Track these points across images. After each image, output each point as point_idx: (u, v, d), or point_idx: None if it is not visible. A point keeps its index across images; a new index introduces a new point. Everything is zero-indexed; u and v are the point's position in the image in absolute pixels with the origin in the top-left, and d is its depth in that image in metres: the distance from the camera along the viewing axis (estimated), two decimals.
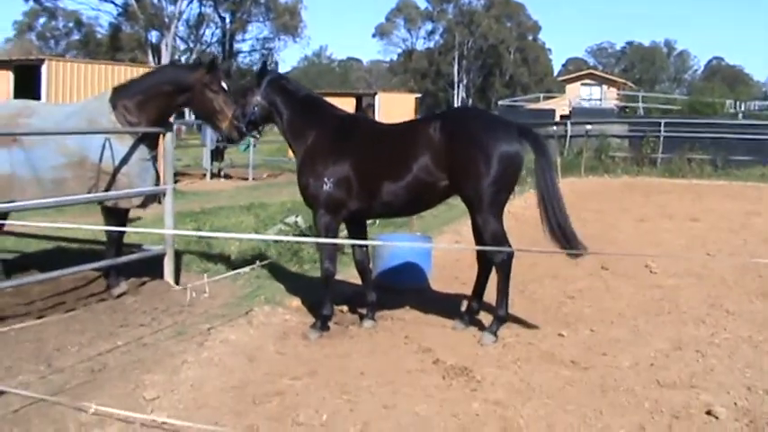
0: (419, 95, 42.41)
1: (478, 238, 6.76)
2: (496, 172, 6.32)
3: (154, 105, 7.63)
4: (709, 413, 5.02)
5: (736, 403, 5.21)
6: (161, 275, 8.23)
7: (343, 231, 7.56)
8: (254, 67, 77.36)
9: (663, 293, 8.56)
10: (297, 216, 11.41)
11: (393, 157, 6.58)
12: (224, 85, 7.68)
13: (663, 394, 5.38)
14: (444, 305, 7.80)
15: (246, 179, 23.07)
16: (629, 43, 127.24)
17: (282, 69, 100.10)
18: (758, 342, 6.66)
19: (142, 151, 7.66)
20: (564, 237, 6.60)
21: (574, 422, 4.90)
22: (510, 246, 6.55)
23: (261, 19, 76.05)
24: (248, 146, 22.84)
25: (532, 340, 6.68)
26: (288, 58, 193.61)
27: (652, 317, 7.54)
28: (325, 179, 6.65)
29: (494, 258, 6.70)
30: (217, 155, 23.60)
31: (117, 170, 7.53)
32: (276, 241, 9.69)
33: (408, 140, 6.59)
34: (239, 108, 7.13)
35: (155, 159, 7.97)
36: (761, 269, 9.73)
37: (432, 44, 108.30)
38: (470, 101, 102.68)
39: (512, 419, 4.92)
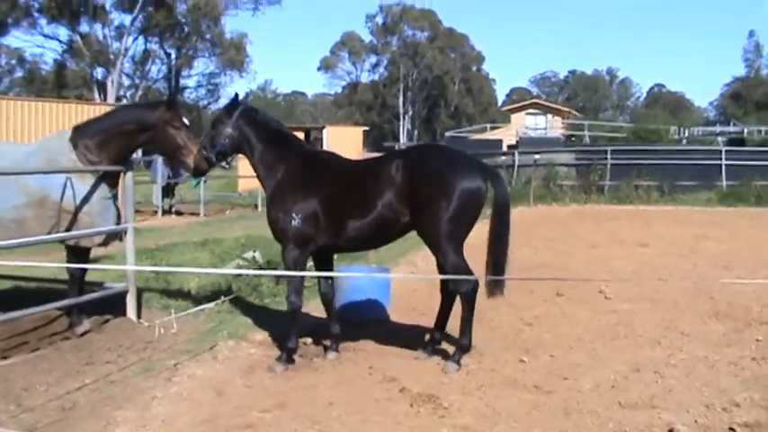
0: (366, 128, 42.80)
1: (442, 272, 6.96)
2: (456, 208, 6.54)
3: (115, 145, 7.71)
4: (671, 431, 5.24)
5: (696, 421, 5.45)
6: (123, 313, 8.26)
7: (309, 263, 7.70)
8: (201, 103, 77.63)
9: (618, 318, 8.83)
10: (254, 251, 11.50)
11: (358, 193, 6.77)
12: (185, 120, 7.79)
13: (625, 415, 5.59)
14: (405, 335, 7.95)
15: (198, 215, 23.03)
16: (572, 72, 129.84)
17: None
18: (714, 362, 6.94)
19: (103, 190, 7.71)
20: (495, 270, 6.94)
21: None
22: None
23: (207, 54, 75.94)
24: (199, 182, 22.82)
25: (494, 367, 6.86)
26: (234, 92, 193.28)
27: (609, 341, 7.79)
28: (294, 214, 6.80)
29: (459, 289, 6.85)
30: (168, 191, 23.55)
31: (78, 209, 7.56)
32: (236, 276, 9.79)
33: (373, 178, 6.78)
34: (208, 138, 7.23)
35: (115, 198, 8.03)
36: (712, 291, 10.10)
37: (376, 76, 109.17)
38: (416, 132, 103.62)
39: None
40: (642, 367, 6.78)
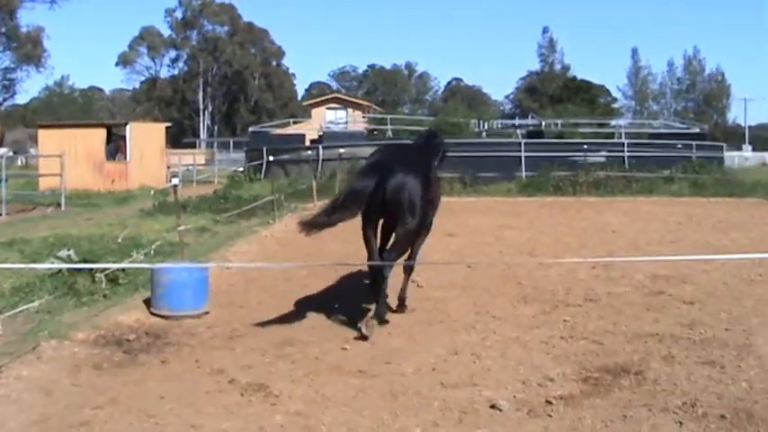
0: (169, 124, 41.78)
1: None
2: None
3: None
4: (493, 407, 5.59)
5: (515, 396, 5.85)
6: None
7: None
8: None
9: (433, 305, 9.23)
10: (69, 249, 11.02)
11: None
12: None
13: (449, 394, 5.91)
14: (226, 328, 7.99)
15: None
16: (371, 66, 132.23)
17: (24, 100, 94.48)
18: (526, 342, 7.44)
19: None
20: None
21: (373, 425, 5.28)
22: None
23: (2, 48, 71.50)
24: (0, 181, 21.60)
25: (318, 355, 7.03)
26: (31, 88, 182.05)
27: (426, 326, 8.15)
28: None
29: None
30: None
31: None
32: (51, 276, 9.44)
33: None
34: None
35: None
36: (520, 277, 10.79)
37: (176, 72, 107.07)
38: (216, 128, 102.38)
39: (315, 428, 5.23)
40: (460, 350, 7.16)
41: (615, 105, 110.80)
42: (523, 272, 11.25)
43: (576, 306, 9.06)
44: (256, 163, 34.28)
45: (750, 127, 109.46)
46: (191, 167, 45.64)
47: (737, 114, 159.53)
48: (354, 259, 12.58)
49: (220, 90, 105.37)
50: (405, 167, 7.95)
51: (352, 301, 9.34)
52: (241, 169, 37.35)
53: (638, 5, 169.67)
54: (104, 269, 9.56)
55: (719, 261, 11.72)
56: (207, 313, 8.72)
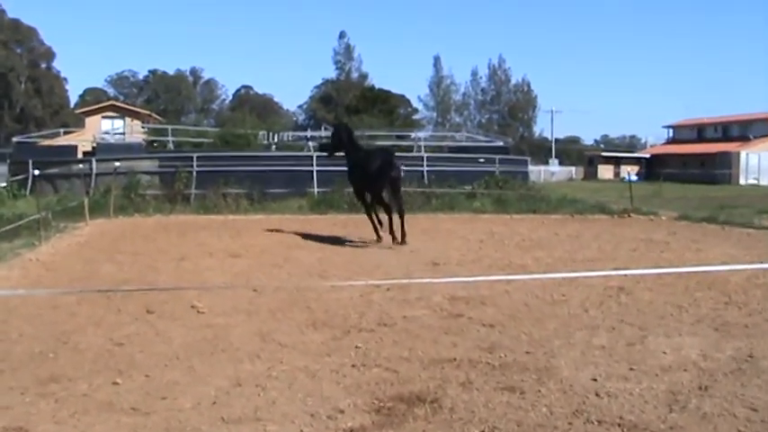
0: None
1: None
2: None
3: None
4: None
5: (302, 430, 5.90)
6: None
7: None
8: None
9: (214, 332, 9.14)
10: None
11: None
12: None
13: (231, 429, 5.89)
14: None
15: None
16: (153, 72, 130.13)
17: None
18: (315, 371, 7.50)
19: None
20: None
21: None
22: None
23: None
24: None
25: (87, 392, 6.82)
26: None
27: (207, 356, 8.06)
28: None
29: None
30: None
31: None
32: None
33: None
34: None
35: None
36: (309, 301, 10.90)
37: None
38: None
39: None
40: (243, 381, 7.13)
41: (416, 117, 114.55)
42: (313, 295, 11.37)
43: (370, 331, 9.25)
44: (21, 177, 32.73)
45: (558, 140, 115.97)
46: None
47: (544, 127, 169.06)
48: (132, 284, 12.34)
49: None
50: None
51: (125, 330, 9.10)
52: (3, 184, 35.52)
53: (441, 11, 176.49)
54: None
55: (521, 281, 12.33)
56: None
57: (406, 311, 10.34)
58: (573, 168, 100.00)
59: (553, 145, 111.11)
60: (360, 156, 19.53)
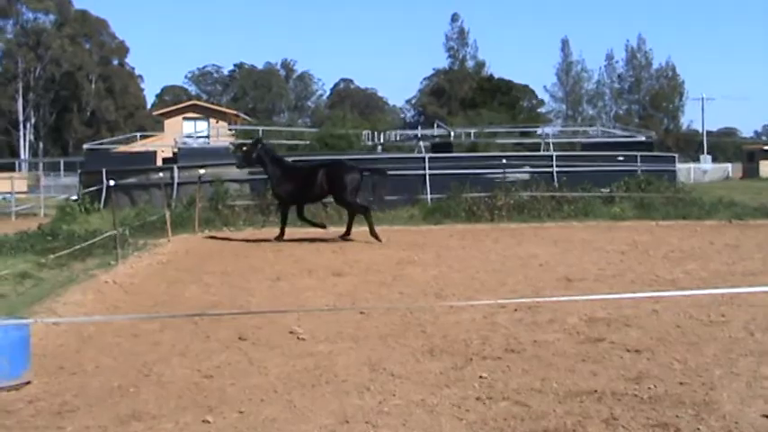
0: None
1: None
2: None
3: None
4: None
5: None
6: None
7: None
8: None
9: (316, 362, 9.17)
10: None
11: None
12: None
13: None
14: (52, 402, 7.81)
15: None
16: (239, 66, 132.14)
17: None
18: (433, 405, 7.45)
19: None
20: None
21: None
22: None
23: None
24: None
25: (173, 431, 6.90)
26: None
27: (308, 389, 8.09)
28: None
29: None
30: None
31: None
32: None
33: None
34: None
35: None
36: (425, 324, 10.86)
37: None
38: (41, 145, 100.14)
39: None
40: (350, 418, 7.13)
41: (542, 110, 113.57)
42: (429, 317, 11.34)
43: (495, 359, 9.16)
44: (94, 189, 33.61)
45: (710, 133, 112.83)
46: (7, 196, 44.55)
47: (694, 118, 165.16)
48: (221, 307, 12.53)
49: (46, 97, 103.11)
50: None
51: (214, 360, 9.23)
52: (74, 197, 36.58)
53: None
54: None
55: (671, 299, 12.04)
56: (28, 383, 8.48)
57: (537, 335, 10.22)
58: (729, 165, 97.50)
59: (704, 139, 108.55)
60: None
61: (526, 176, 33.32)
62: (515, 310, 11.63)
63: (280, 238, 22.91)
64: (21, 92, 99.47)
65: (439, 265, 17.37)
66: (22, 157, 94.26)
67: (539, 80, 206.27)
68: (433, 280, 15.17)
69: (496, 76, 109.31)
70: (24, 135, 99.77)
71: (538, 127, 65.98)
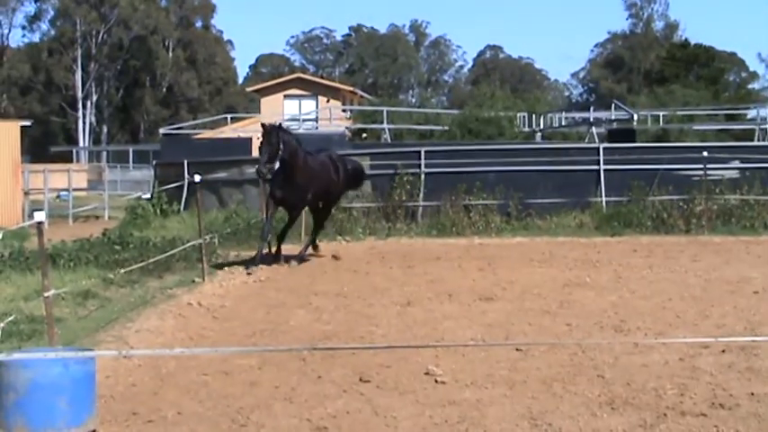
0: (27, 123, 41.75)
1: None
2: None
3: None
4: None
5: None
6: None
7: None
8: None
9: (460, 412, 9.15)
10: None
11: None
12: None
13: None
14: None
15: None
16: (355, 29, 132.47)
17: None
18: None
19: None
20: None
21: None
22: None
23: None
24: None
25: None
26: None
27: None
28: None
29: None
30: None
31: None
32: None
33: None
34: None
35: None
36: (601, 367, 10.72)
37: (37, 37, 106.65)
38: (105, 129, 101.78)
39: None
40: None
41: (754, 86, 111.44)
42: (608, 358, 11.24)
43: (697, 415, 9.02)
44: (172, 186, 34.15)
45: None
46: (64, 193, 45.56)
47: None
48: (337, 339, 12.61)
49: (111, 68, 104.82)
50: None
51: (329, 407, 9.29)
52: (147, 196, 37.23)
53: None
54: None
55: None
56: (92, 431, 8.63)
57: (755, 386, 10.01)
58: None
59: None
60: None
61: (735, 174, 32.65)
62: (723, 351, 11.43)
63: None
64: (79, 62, 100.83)
65: (618, 289, 17.19)
66: (82, 144, 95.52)
67: (750, 47, 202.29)
68: (610, 308, 15.03)
69: (693, 41, 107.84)
70: (84, 117, 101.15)
71: (750, 108, 64.68)
